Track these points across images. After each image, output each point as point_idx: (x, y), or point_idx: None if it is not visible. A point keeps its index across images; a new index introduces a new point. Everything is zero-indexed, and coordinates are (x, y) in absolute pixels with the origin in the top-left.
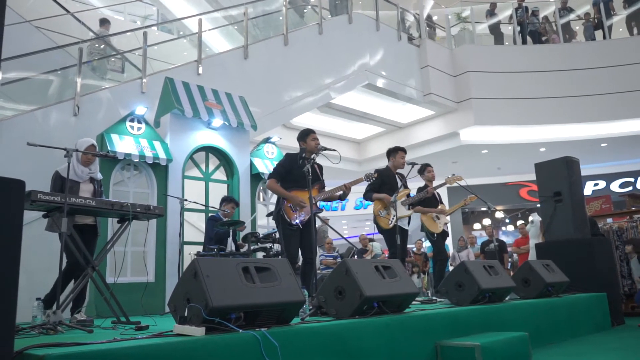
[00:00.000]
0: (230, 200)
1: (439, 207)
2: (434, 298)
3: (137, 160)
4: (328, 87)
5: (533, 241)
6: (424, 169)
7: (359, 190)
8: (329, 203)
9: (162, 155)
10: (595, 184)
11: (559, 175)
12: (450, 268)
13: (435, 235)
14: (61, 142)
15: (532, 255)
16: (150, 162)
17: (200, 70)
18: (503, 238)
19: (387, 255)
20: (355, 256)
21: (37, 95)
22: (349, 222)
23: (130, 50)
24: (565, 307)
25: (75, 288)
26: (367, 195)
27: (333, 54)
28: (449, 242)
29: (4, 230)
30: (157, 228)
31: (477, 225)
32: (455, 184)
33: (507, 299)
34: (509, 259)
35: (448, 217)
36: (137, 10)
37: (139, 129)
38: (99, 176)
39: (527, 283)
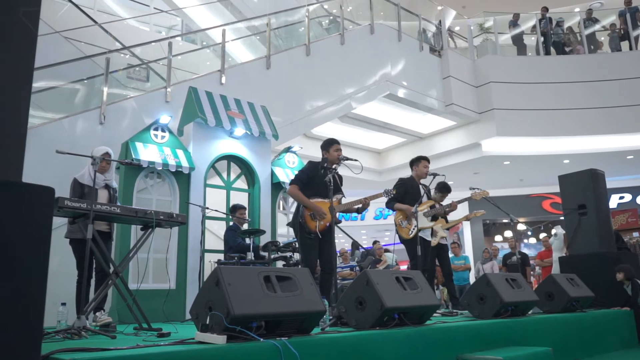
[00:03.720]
0: (241, 207)
1: (438, 222)
2: (454, 311)
3: (161, 168)
4: (349, 97)
5: (556, 254)
6: (419, 161)
7: (379, 201)
8: (347, 214)
9: (184, 163)
10: (621, 197)
11: (583, 187)
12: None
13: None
14: (87, 150)
15: (555, 269)
16: (173, 170)
17: (224, 79)
18: (525, 251)
19: (401, 267)
20: (370, 265)
21: (64, 104)
22: (368, 232)
23: (155, 60)
24: (591, 323)
25: (99, 293)
26: (390, 204)
27: (354, 64)
28: (469, 254)
29: (34, 236)
30: (179, 235)
31: (498, 237)
32: (478, 199)
33: (530, 313)
34: (532, 272)
35: (445, 232)
36: (162, 21)
37: (162, 137)
38: (114, 184)
39: (551, 297)
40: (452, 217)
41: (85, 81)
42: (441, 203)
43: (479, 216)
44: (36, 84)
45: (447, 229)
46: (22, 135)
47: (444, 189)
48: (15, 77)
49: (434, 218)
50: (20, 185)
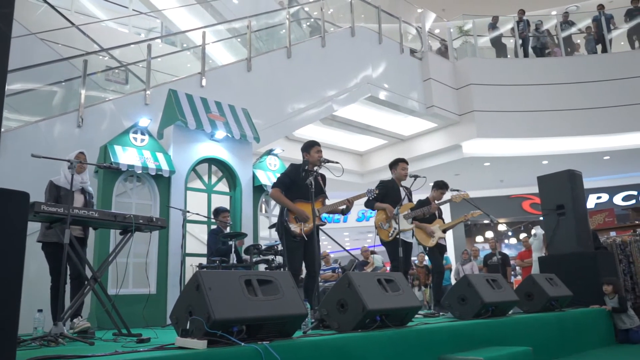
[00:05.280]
0: (224, 210)
1: (436, 222)
2: (436, 312)
3: (140, 171)
4: (330, 100)
5: (536, 254)
6: (396, 164)
7: (361, 203)
8: (331, 215)
9: (165, 167)
10: (599, 197)
11: (561, 188)
12: (453, 281)
13: (427, 248)
14: (65, 154)
15: (535, 269)
16: (153, 173)
17: (204, 82)
18: (506, 251)
19: (388, 267)
20: (356, 269)
21: (41, 107)
22: (351, 234)
23: (134, 62)
24: (570, 322)
25: (76, 299)
26: (369, 204)
27: (336, 67)
28: (451, 255)
29: (8, 242)
30: (160, 239)
31: (479, 238)
32: (458, 202)
33: (510, 313)
34: (512, 272)
35: (441, 232)
36: (141, 23)
37: (142, 140)
38: (90, 189)
39: (531, 297)
40: (448, 217)
41: (63, 83)
42: (435, 202)
43: (476, 216)
44: (12, 86)
45: (445, 230)
46: None
47: (442, 186)
48: None
49: (430, 219)
50: None
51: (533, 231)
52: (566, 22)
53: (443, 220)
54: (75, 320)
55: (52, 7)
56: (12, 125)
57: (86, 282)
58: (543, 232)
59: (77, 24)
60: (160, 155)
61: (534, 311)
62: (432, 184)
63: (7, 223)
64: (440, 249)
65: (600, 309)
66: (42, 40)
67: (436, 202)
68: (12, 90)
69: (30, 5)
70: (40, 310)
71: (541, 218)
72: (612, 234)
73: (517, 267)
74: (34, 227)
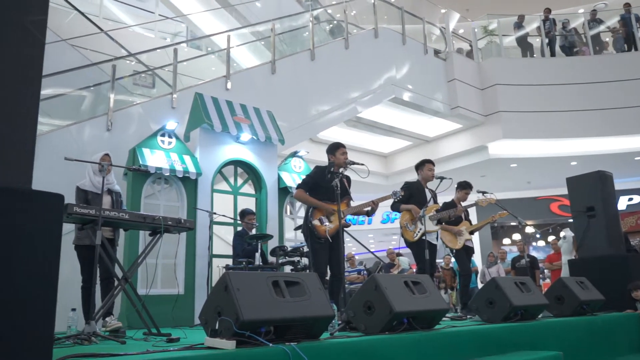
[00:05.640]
0: (250, 212)
1: (462, 224)
2: (463, 315)
3: (168, 174)
4: (354, 101)
5: (566, 257)
6: (423, 165)
7: (386, 204)
8: (355, 217)
9: (191, 169)
10: (630, 199)
11: (591, 189)
12: (479, 284)
13: (455, 250)
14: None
15: (564, 272)
16: (181, 175)
17: (229, 85)
18: (534, 254)
19: (414, 270)
20: (382, 271)
21: (71, 111)
22: (375, 236)
23: (160, 66)
24: (601, 326)
25: (108, 298)
26: (395, 206)
27: (359, 68)
28: (477, 257)
29: (45, 242)
30: (187, 241)
31: (506, 240)
32: (484, 205)
33: (540, 316)
34: (541, 275)
35: (469, 234)
36: (167, 28)
37: (169, 143)
38: (117, 188)
39: (561, 301)
40: (474, 219)
41: (92, 88)
42: (461, 204)
43: (503, 217)
44: (44, 91)
45: (472, 232)
46: (32, 143)
47: (466, 186)
48: (24, 85)
49: (439, 222)
50: (30, 192)
51: (562, 233)
52: (594, 20)
53: (470, 222)
54: (107, 318)
55: (82, 13)
56: (44, 130)
57: (117, 282)
58: (573, 234)
59: (105, 30)
60: (187, 158)
61: (564, 315)
62: (456, 185)
63: (43, 224)
64: (468, 251)
65: (633, 314)
66: (73, 46)
67: (462, 204)
68: (44, 95)
69: (61, 12)
70: (73, 309)
71: (570, 220)
72: None
73: (546, 270)
74: (66, 228)
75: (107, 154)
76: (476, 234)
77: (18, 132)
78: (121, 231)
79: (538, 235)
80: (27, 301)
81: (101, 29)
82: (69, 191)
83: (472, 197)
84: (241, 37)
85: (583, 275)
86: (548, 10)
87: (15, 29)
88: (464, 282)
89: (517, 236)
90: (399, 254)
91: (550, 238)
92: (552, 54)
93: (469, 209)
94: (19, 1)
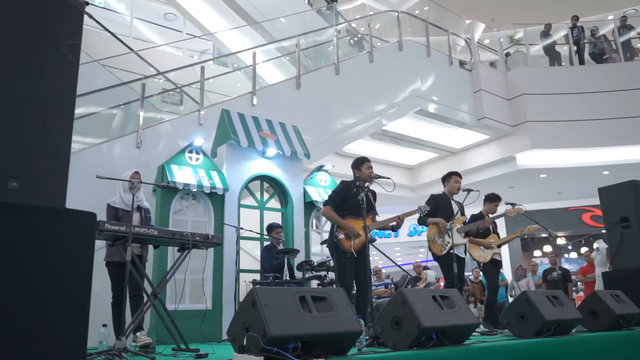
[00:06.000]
0: (277, 225)
1: (490, 237)
2: (492, 329)
3: (195, 190)
4: (379, 114)
5: (599, 269)
6: (450, 177)
7: (413, 217)
8: (381, 230)
9: (219, 184)
10: None
11: (625, 200)
12: (509, 298)
13: (482, 264)
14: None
15: (598, 285)
16: (208, 191)
17: (255, 101)
18: (566, 266)
19: (442, 284)
20: (409, 284)
21: (102, 129)
22: (402, 249)
23: (188, 84)
24: (639, 341)
25: (138, 314)
26: (422, 220)
27: (384, 81)
28: (507, 270)
29: (78, 259)
30: (215, 256)
31: (537, 252)
32: (512, 216)
33: (573, 331)
34: (574, 288)
35: (497, 248)
36: (194, 46)
37: (197, 159)
38: (146, 204)
39: (595, 315)
40: (500, 232)
41: (122, 106)
42: (489, 216)
43: (533, 231)
44: (76, 111)
45: (499, 246)
46: (66, 163)
47: (495, 198)
48: (60, 106)
49: (467, 234)
50: (64, 211)
51: (595, 245)
52: (624, 27)
53: (498, 235)
54: (138, 334)
55: (113, 34)
56: (76, 148)
57: (146, 298)
58: (606, 245)
59: (135, 50)
60: (214, 174)
61: (599, 330)
62: (484, 197)
63: (77, 242)
64: (495, 264)
65: None
66: (104, 66)
67: (490, 216)
68: (77, 115)
69: (93, 34)
70: (104, 325)
71: (603, 231)
72: None
73: (579, 283)
74: (97, 245)
75: (137, 172)
76: (505, 246)
77: (53, 152)
78: (150, 247)
79: (570, 247)
80: (61, 317)
81: (131, 49)
82: (99, 208)
83: (501, 209)
84: (266, 53)
85: (618, 288)
86: (576, 18)
87: (52, 53)
88: (491, 296)
89: (547, 248)
90: (425, 267)
91: (583, 250)
92: (581, 62)
93: (497, 221)
94: (56, 27)
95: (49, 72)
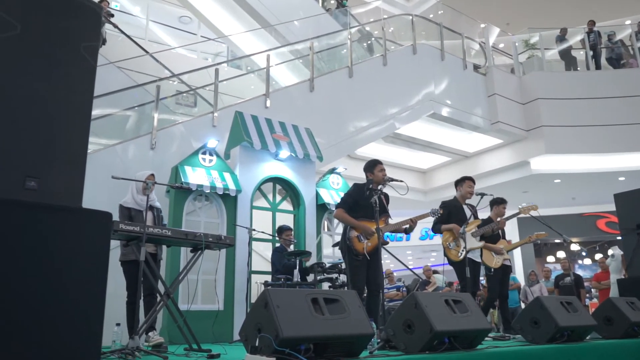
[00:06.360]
0: (288, 228)
1: (500, 242)
2: (507, 335)
3: (209, 191)
4: (393, 118)
5: (614, 276)
6: (463, 181)
7: (424, 221)
8: (393, 234)
9: (231, 186)
10: None
11: None
12: (522, 304)
13: (493, 270)
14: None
15: (613, 292)
16: (221, 192)
17: (268, 103)
18: (580, 272)
19: (454, 287)
20: (419, 288)
21: (117, 130)
22: (414, 252)
23: (202, 86)
24: None
25: (151, 314)
26: (436, 228)
27: (397, 85)
28: (520, 276)
29: (94, 258)
30: (227, 257)
31: (550, 258)
32: (527, 215)
33: (587, 338)
34: (587, 295)
35: (507, 253)
36: (208, 48)
37: (210, 161)
38: (157, 204)
39: (610, 322)
40: (512, 237)
41: (137, 108)
42: (497, 220)
43: (542, 238)
44: (92, 112)
45: (508, 251)
46: (83, 163)
47: (500, 201)
48: (77, 107)
49: (491, 239)
50: (81, 210)
51: (610, 251)
52: None
53: (507, 240)
54: (150, 333)
55: (129, 37)
56: (92, 149)
57: (159, 298)
58: (622, 252)
59: (150, 52)
60: (227, 175)
61: (614, 337)
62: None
63: (92, 241)
64: (505, 270)
65: None
66: (119, 68)
67: (502, 217)
68: (93, 116)
69: (109, 36)
70: (118, 324)
71: (619, 238)
72: None
73: (593, 290)
74: (112, 245)
75: (152, 174)
76: (518, 250)
77: (71, 153)
78: (164, 246)
79: (584, 253)
80: (76, 315)
81: (146, 51)
82: (113, 208)
83: (510, 209)
84: (280, 56)
85: (633, 296)
86: (592, 23)
87: (71, 55)
88: (488, 303)
89: (561, 254)
90: (435, 272)
91: (598, 256)
92: (598, 66)
93: (510, 227)
94: (75, 29)
95: (68, 73)
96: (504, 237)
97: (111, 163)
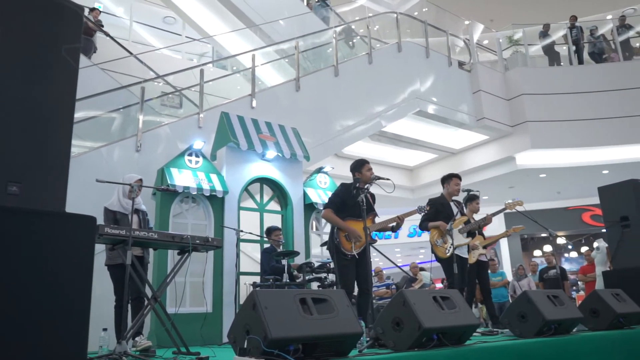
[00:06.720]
0: (276, 228)
1: (476, 238)
2: (495, 329)
3: (195, 193)
4: (379, 116)
5: (600, 269)
6: (450, 179)
7: (412, 218)
8: (382, 232)
9: (218, 187)
10: None
11: (625, 199)
12: (510, 298)
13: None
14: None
15: (599, 284)
16: (208, 194)
17: (254, 103)
18: (566, 265)
19: (437, 285)
20: (406, 285)
21: (102, 133)
22: (402, 250)
23: (187, 87)
24: None
25: (138, 318)
26: (423, 225)
27: (383, 83)
28: (507, 270)
29: (78, 263)
30: (215, 259)
31: (537, 252)
32: (513, 210)
33: (574, 331)
34: (574, 288)
35: (483, 249)
36: (193, 49)
37: (196, 162)
38: (143, 207)
39: (596, 314)
40: (489, 232)
41: (122, 110)
42: (474, 216)
43: (518, 231)
44: (76, 115)
45: (485, 247)
46: (66, 167)
47: (472, 197)
48: (59, 110)
49: (469, 234)
50: (64, 215)
51: (596, 244)
52: (623, 26)
53: (483, 236)
54: (137, 338)
55: (113, 38)
56: (75, 152)
57: (147, 302)
58: (606, 245)
59: (134, 53)
60: (214, 177)
61: (600, 329)
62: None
63: (76, 246)
64: (481, 265)
65: None
66: (103, 70)
67: (489, 214)
68: (76, 118)
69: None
70: (105, 329)
71: (604, 230)
72: None
73: (580, 282)
74: (98, 248)
75: (140, 179)
76: (505, 245)
77: (53, 157)
78: (150, 249)
79: (570, 247)
80: (61, 321)
81: (130, 53)
82: (99, 212)
83: (498, 204)
84: (266, 56)
85: (619, 287)
86: (574, 18)
87: (52, 57)
88: (467, 298)
89: (548, 248)
90: (421, 269)
91: (584, 249)
92: (580, 61)
93: (497, 220)
94: (56, 31)
95: (49, 76)
96: (480, 233)
97: (96, 166)
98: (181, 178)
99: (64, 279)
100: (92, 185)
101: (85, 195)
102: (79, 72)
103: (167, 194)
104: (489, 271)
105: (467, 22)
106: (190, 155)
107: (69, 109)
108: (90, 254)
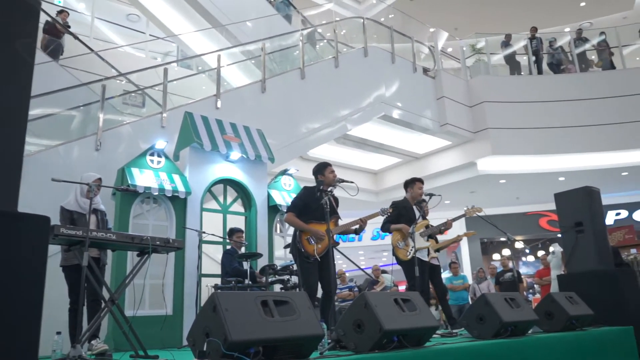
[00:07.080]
0: (238, 230)
1: (429, 241)
2: (454, 331)
3: (157, 193)
4: (344, 119)
5: (555, 272)
6: (413, 183)
7: (376, 221)
8: (345, 235)
9: (181, 188)
10: (617, 214)
11: (579, 205)
12: (470, 301)
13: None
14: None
15: (554, 287)
16: (170, 195)
17: (219, 104)
18: (523, 269)
19: (399, 287)
20: (368, 288)
21: (60, 131)
22: (366, 253)
23: (151, 86)
24: (591, 341)
25: (94, 321)
26: (385, 227)
27: (349, 87)
28: (467, 273)
29: (30, 265)
30: (176, 261)
31: (496, 256)
32: (473, 215)
33: (529, 332)
34: (531, 291)
35: (435, 252)
36: (157, 48)
37: (158, 162)
38: (102, 207)
39: (550, 316)
40: (442, 237)
41: (82, 108)
42: (430, 223)
43: (470, 236)
44: (32, 112)
45: (438, 250)
46: (18, 165)
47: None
48: (12, 106)
49: (430, 237)
50: (16, 215)
51: (551, 249)
52: (580, 39)
53: (436, 239)
54: (93, 342)
55: (72, 34)
56: (31, 150)
57: (104, 304)
58: (561, 249)
59: (96, 50)
60: (176, 177)
61: (554, 330)
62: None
63: (28, 246)
64: (433, 268)
65: (623, 328)
66: (62, 66)
67: (449, 219)
68: (33, 116)
69: None
70: (59, 333)
71: (559, 235)
72: (633, 251)
73: (536, 286)
74: (53, 250)
75: (100, 179)
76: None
77: (4, 154)
78: (109, 250)
79: (527, 251)
80: (10, 325)
81: (92, 50)
82: (55, 211)
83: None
84: (231, 57)
85: (572, 290)
86: (534, 29)
87: (5, 52)
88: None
89: (506, 251)
90: (384, 271)
91: (540, 253)
92: (540, 71)
93: (458, 225)
94: (9, 25)
95: (1, 71)
96: (432, 238)
97: (53, 164)
98: (142, 178)
99: (14, 281)
100: (48, 184)
101: (41, 194)
102: (36, 67)
103: (127, 194)
104: (451, 274)
105: (432, 30)
106: (152, 155)
107: (23, 106)
108: (43, 255)
